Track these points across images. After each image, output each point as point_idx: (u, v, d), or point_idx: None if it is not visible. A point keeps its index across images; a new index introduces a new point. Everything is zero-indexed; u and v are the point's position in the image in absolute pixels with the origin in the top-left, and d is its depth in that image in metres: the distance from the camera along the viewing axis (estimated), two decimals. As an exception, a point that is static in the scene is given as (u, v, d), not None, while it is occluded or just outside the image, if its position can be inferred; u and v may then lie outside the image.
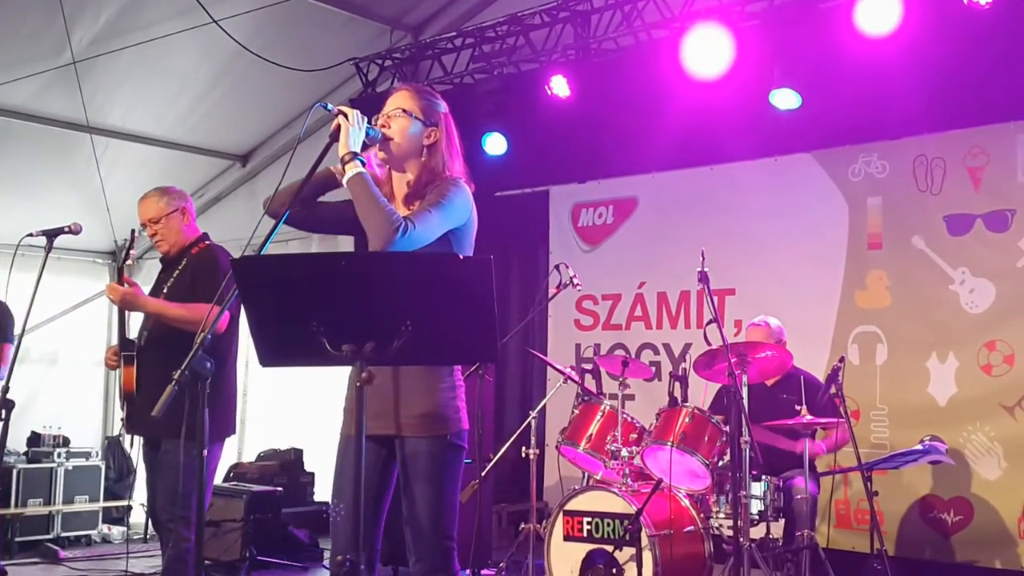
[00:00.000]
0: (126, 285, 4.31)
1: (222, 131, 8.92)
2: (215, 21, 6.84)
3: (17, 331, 4.52)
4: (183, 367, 2.73)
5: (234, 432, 4.51)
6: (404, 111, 3.15)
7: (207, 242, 4.56)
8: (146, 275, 9.17)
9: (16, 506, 7.28)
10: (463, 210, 3.08)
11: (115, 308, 4.52)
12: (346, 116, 2.99)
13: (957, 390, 5.99)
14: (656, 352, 7.33)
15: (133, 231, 4.60)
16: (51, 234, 4.40)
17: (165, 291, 4.42)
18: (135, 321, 4.48)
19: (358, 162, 2.97)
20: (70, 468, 7.68)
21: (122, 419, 4.39)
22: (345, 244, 8.49)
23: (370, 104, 7.92)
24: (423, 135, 3.15)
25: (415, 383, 3.05)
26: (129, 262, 4.51)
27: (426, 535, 3.04)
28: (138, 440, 4.49)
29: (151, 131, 8.53)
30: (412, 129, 3.14)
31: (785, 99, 6.25)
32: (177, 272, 4.45)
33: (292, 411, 8.65)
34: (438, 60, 7.86)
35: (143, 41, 7.10)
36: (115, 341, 4.48)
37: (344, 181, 2.98)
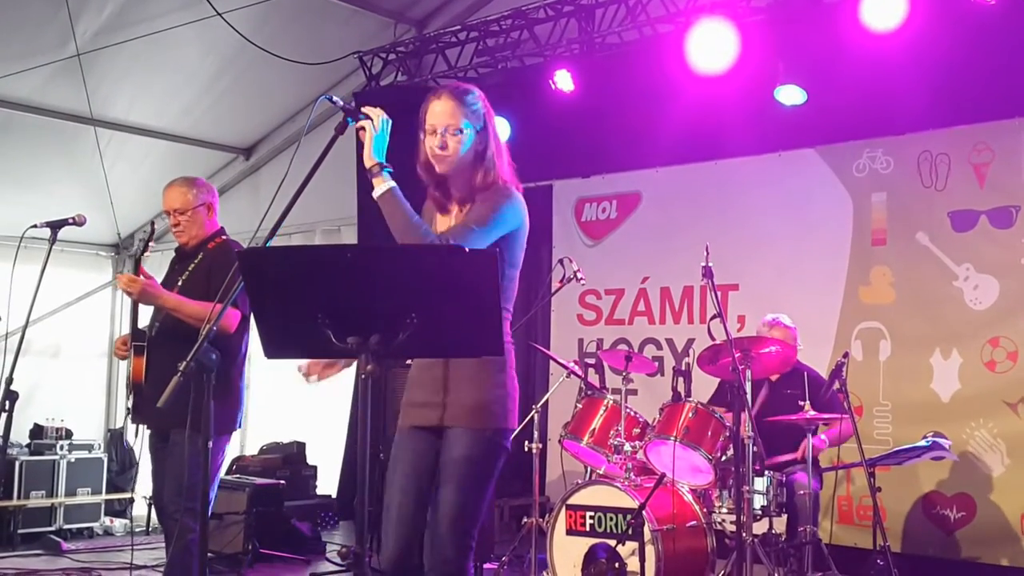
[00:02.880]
0: (143, 278, 4.29)
1: (226, 124, 8.93)
2: (219, 14, 6.84)
3: (20, 323, 4.51)
4: (188, 358, 2.73)
5: (239, 427, 4.50)
6: (457, 130, 3.09)
7: (224, 237, 4.55)
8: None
9: (18, 498, 7.29)
10: (514, 220, 3.10)
11: (124, 299, 4.50)
12: (371, 119, 2.94)
13: (960, 386, 5.98)
14: (659, 347, 7.32)
15: (153, 223, 4.59)
16: (55, 226, 4.39)
17: (180, 284, 4.41)
18: (146, 310, 4.47)
19: (386, 175, 2.95)
20: (72, 460, 7.68)
21: (127, 407, 4.38)
22: (348, 236, 8.53)
23: (374, 98, 7.94)
24: (476, 144, 3.13)
25: (466, 374, 3.05)
26: (148, 254, 4.49)
27: (443, 526, 3.03)
28: (143, 431, 4.49)
29: (155, 124, 8.54)
30: (466, 143, 3.11)
31: (790, 95, 6.26)
32: (193, 266, 4.43)
33: (294, 404, 8.66)
34: (442, 54, 7.85)
35: (147, 34, 7.10)
36: (118, 333, 4.49)
37: (374, 196, 2.95)
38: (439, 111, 3.12)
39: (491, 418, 3.05)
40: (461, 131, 3.10)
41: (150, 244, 4.53)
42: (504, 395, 3.07)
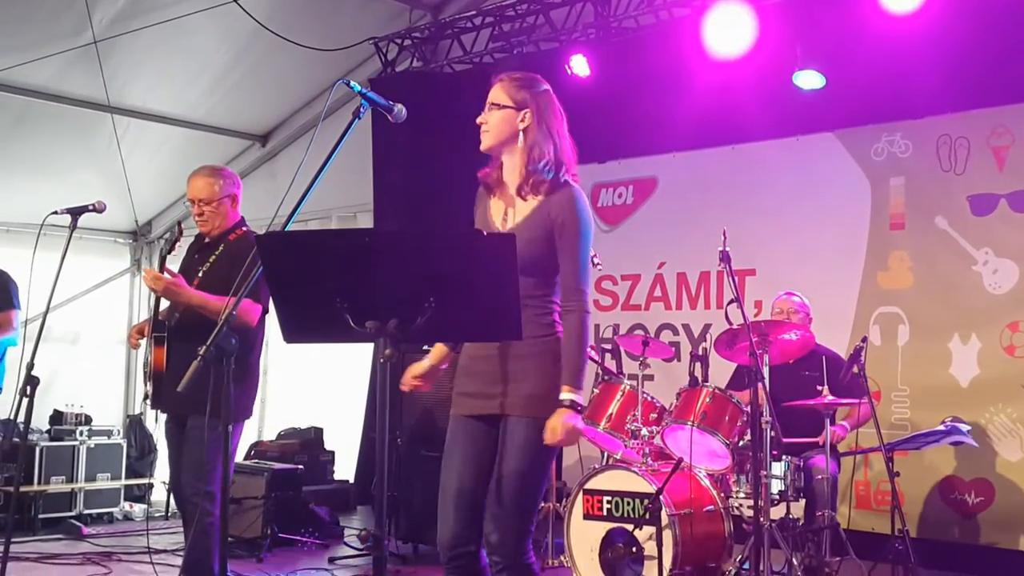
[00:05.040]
0: (167, 274, 4.30)
1: (242, 111, 8.94)
2: (235, 0, 6.84)
3: (40, 310, 4.54)
4: (208, 343, 2.75)
5: (251, 415, 4.53)
6: (494, 104, 3.22)
7: (244, 228, 4.56)
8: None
9: (39, 483, 7.35)
10: (591, 227, 3.19)
11: (143, 286, 4.52)
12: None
13: (979, 371, 5.95)
14: (675, 332, 7.31)
15: (180, 223, 4.59)
16: (75, 212, 4.41)
17: (201, 275, 4.42)
18: (165, 302, 4.49)
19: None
20: (92, 446, 7.74)
21: (146, 393, 4.40)
22: (364, 223, 8.54)
23: (389, 84, 7.94)
24: (517, 120, 3.20)
25: (526, 364, 3.09)
26: (174, 253, 4.49)
27: (503, 512, 3.07)
28: (161, 417, 4.51)
29: (171, 111, 8.56)
30: (504, 119, 3.20)
31: (809, 80, 6.23)
32: (214, 257, 4.44)
33: (312, 390, 8.70)
34: (457, 39, 7.84)
35: (163, 20, 7.11)
36: (136, 320, 4.51)
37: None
38: (489, 94, 3.25)
39: (548, 407, 3.06)
40: (499, 107, 3.20)
41: (176, 245, 4.53)
42: (559, 384, 3.07)
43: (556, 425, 2.99)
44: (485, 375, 3.15)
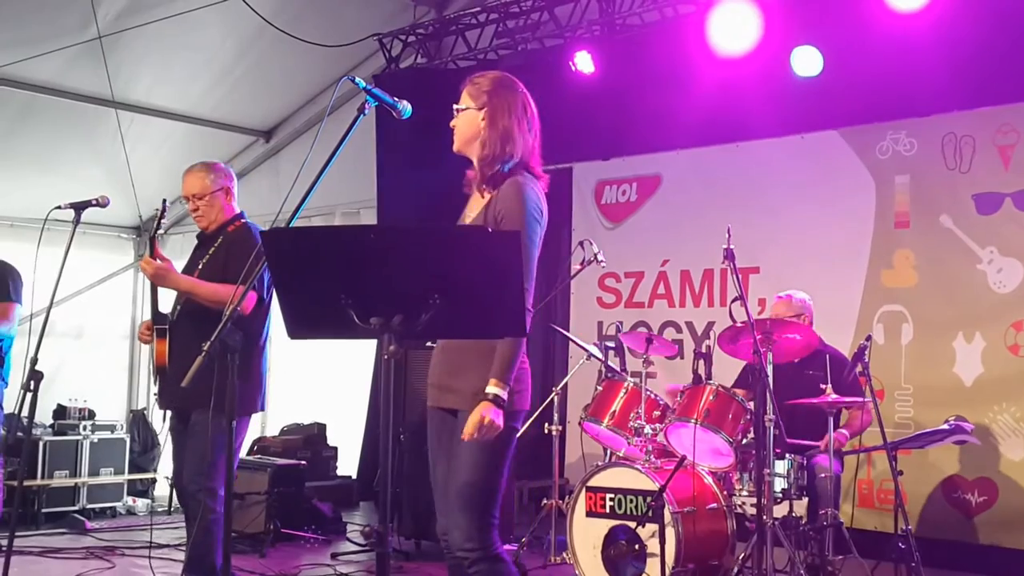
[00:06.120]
0: (159, 260, 4.32)
1: (246, 107, 8.94)
2: (239, -4, 6.85)
3: (44, 304, 4.54)
4: (212, 339, 2.75)
5: (262, 409, 4.53)
6: (459, 109, 3.30)
7: (243, 220, 4.57)
8: (168, 251, 9.23)
9: (42, 478, 7.36)
10: (537, 217, 3.14)
11: (146, 282, 4.53)
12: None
13: (983, 370, 5.94)
14: (679, 330, 7.30)
15: (164, 201, 4.61)
16: (79, 207, 4.42)
17: (200, 267, 4.43)
18: (167, 295, 4.49)
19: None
20: (95, 441, 7.76)
21: (155, 394, 4.41)
22: (368, 219, 8.54)
23: (393, 80, 7.93)
24: (478, 121, 3.26)
25: (472, 360, 3.10)
26: (161, 231, 4.52)
27: (457, 509, 3.08)
28: (169, 414, 4.51)
29: (175, 106, 8.56)
30: (467, 121, 3.28)
31: (806, 61, 6.19)
32: (213, 249, 4.46)
33: (315, 386, 8.70)
34: (462, 36, 7.83)
35: (168, 16, 7.11)
36: (141, 315, 4.52)
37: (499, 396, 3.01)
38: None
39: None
40: (460, 110, 3.29)
41: (162, 221, 4.55)
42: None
43: (474, 419, 2.97)
44: (439, 365, 3.23)
